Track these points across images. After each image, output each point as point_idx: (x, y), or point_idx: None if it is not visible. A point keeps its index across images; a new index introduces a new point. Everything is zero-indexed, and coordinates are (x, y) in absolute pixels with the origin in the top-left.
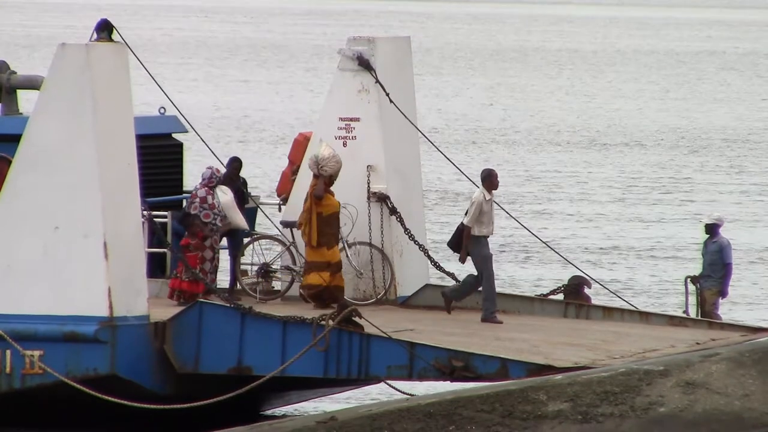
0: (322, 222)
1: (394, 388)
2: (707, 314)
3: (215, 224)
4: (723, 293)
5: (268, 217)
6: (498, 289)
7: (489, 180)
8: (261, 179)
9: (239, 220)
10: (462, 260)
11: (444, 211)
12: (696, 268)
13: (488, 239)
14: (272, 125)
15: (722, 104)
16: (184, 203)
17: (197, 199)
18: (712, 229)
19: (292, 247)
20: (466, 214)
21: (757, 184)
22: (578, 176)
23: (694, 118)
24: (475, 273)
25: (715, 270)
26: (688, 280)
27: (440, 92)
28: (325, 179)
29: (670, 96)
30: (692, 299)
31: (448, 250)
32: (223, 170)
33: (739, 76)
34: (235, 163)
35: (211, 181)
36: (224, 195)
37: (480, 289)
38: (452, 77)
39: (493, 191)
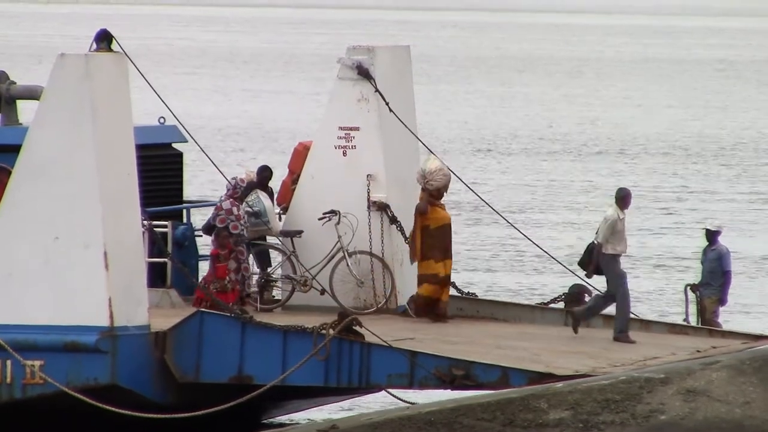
0: (428, 235)
1: (394, 396)
2: (707, 322)
3: (242, 235)
4: (722, 301)
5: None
6: (497, 298)
7: (625, 199)
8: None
9: (277, 225)
10: (589, 275)
11: None
12: (695, 277)
13: (620, 257)
14: (272, 135)
15: (723, 112)
16: (184, 213)
17: (223, 211)
18: (712, 236)
19: (292, 257)
20: (597, 232)
21: (756, 192)
22: (578, 184)
23: (694, 126)
24: (604, 292)
25: (715, 278)
26: (688, 288)
27: (439, 100)
28: (432, 192)
29: (669, 104)
30: (692, 307)
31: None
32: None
33: (742, 84)
34: (266, 172)
35: (235, 192)
36: (267, 200)
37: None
38: (450, 85)
39: (625, 210)
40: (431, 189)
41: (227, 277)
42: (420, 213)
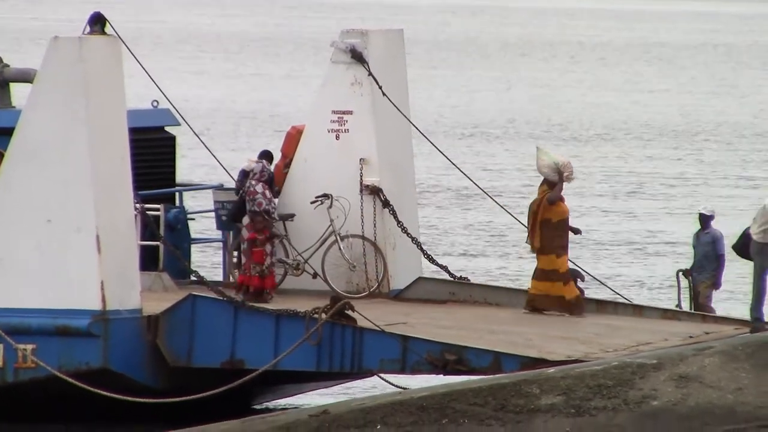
0: (551, 228)
1: (387, 381)
2: (701, 307)
3: (275, 218)
4: (717, 285)
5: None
6: (491, 283)
7: None
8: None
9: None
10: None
11: (437, 204)
12: (688, 262)
13: None
14: (264, 118)
15: (718, 97)
16: (177, 196)
17: (259, 195)
18: (705, 220)
19: (284, 240)
20: (754, 219)
21: (747, 177)
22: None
23: (686, 111)
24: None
25: (709, 262)
26: (680, 273)
27: (435, 85)
28: (554, 184)
29: (662, 88)
30: (685, 293)
31: (441, 243)
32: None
33: (737, 69)
34: (266, 157)
35: (263, 175)
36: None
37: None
38: (445, 70)
39: None
40: (568, 182)
41: (265, 262)
42: (551, 203)
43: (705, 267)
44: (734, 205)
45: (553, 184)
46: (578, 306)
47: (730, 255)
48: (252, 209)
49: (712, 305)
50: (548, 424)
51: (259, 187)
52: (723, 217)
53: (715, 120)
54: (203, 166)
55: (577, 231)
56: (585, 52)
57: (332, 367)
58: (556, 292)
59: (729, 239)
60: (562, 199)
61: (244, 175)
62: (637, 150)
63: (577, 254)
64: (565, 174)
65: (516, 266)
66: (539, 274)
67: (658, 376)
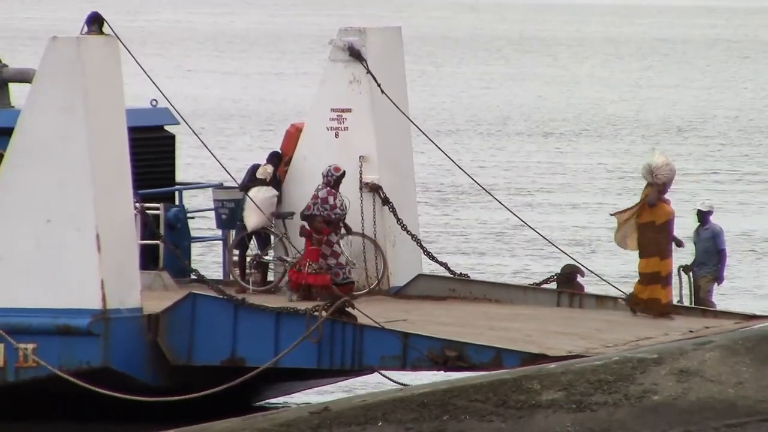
0: (654, 230)
1: (387, 378)
2: (702, 301)
3: (340, 224)
4: (719, 279)
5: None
6: (490, 279)
7: None
8: None
9: (250, 221)
10: None
11: (437, 201)
12: (687, 257)
13: None
14: (264, 117)
15: (718, 92)
16: (176, 195)
17: (319, 200)
18: (703, 216)
19: (284, 239)
20: None
21: (747, 173)
22: (570, 165)
23: (685, 106)
24: None
25: (710, 257)
26: (681, 269)
27: (433, 82)
28: (659, 187)
29: (660, 84)
30: (686, 289)
31: (441, 240)
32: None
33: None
34: (275, 159)
35: (329, 181)
36: (258, 194)
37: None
38: (442, 67)
39: None
40: (659, 183)
41: (319, 261)
42: (650, 206)
43: (706, 262)
44: (737, 200)
45: (663, 185)
46: (670, 310)
47: (730, 249)
48: (311, 213)
49: (713, 300)
50: (549, 420)
51: (322, 192)
52: (728, 213)
53: (723, 114)
54: (203, 165)
55: (680, 243)
56: (586, 48)
57: (333, 364)
58: (653, 295)
59: (729, 234)
60: (665, 201)
61: (253, 171)
62: (636, 146)
63: (578, 249)
64: (655, 174)
65: (515, 262)
66: (640, 277)
67: (658, 370)
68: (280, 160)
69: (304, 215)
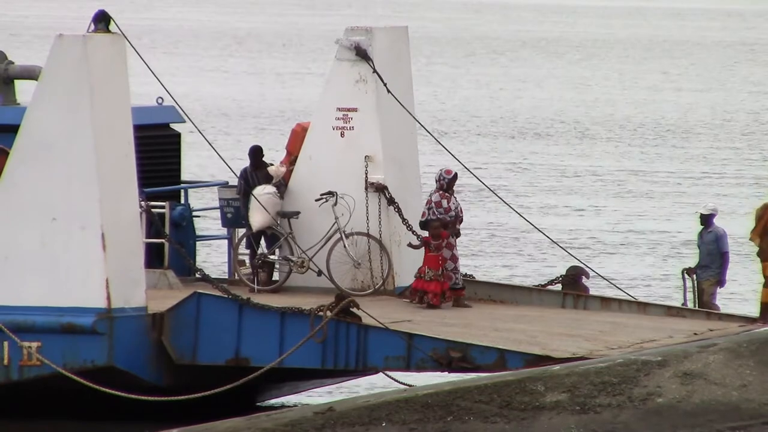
0: None
1: (392, 378)
2: (705, 305)
3: (454, 227)
4: (721, 282)
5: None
6: (495, 280)
7: None
8: None
9: (255, 220)
10: None
11: None
12: (691, 260)
13: None
14: (269, 115)
15: (723, 93)
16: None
17: (432, 204)
18: (707, 219)
19: (289, 238)
20: None
21: (749, 175)
22: (575, 168)
23: (691, 108)
24: None
25: (713, 260)
26: (684, 272)
27: (436, 82)
28: None
29: (667, 87)
30: (690, 292)
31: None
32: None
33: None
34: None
35: (441, 184)
36: (262, 192)
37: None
38: (448, 67)
39: None
40: None
41: (441, 268)
42: None
43: (709, 265)
44: (742, 203)
45: None
46: None
47: (733, 252)
48: (427, 218)
49: (717, 303)
50: (553, 421)
51: (435, 196)
52: (732, 216)
53: (730, 117)
54: (209, 164)
55: None
56: (594, 50)
57: (337, 364)
58: None
59: (733, 237)
60: None
61: (266, 179)
62: (643, 148)
63: (582, 252)
64: None
65: (520, 263)
66: (765, 281)
67: (662, 373)
68: (261, 154)
69: (421, 223)
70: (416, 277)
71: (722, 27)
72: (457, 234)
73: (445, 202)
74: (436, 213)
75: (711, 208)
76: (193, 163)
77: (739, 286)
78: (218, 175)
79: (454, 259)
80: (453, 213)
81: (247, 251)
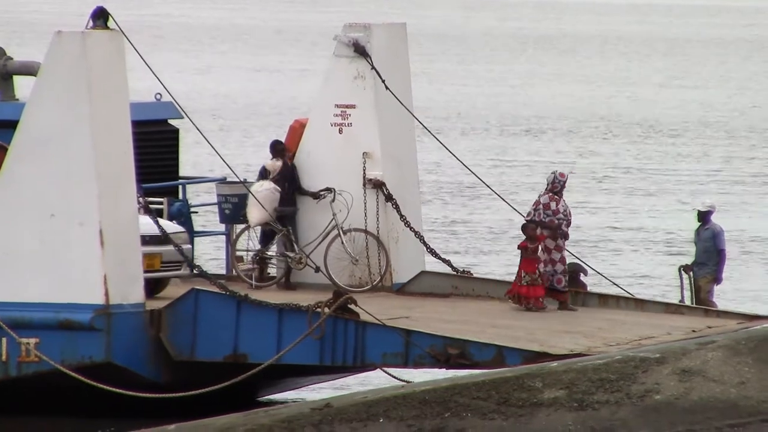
0: None
1: (389, 375)
2: (702, 302)
3: (561, 229)
4: (717, 280)
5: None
6: (495, 277)
7: None
8: (256, 166)
9: (251, 216)
10: None
11: (440, 198)
12: (688, 257)
13: None
14: (267, 112)
15: (719, 91)
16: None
17: (540, 206)
18: (704, 216)
19: (287, 233)
20: None
21: (748, 173)
22: (573, 165)
23: (686, 106)
24: None
25: (710, 257)
26: (681, 269)
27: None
28: None
29: (659, 83)
30: (687, 289)
31: (444, 237)
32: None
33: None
34: (278, 146)
35: (554, 186)
36: (259, 188)
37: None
38: (446, 63)
39: None
40: None
41: (537, 271)
42: None
43: (706, 262)
44: (741, 200)
45: None
46: None
47: (729, 249)
48: (530, 219)
49: (714, 300)
50: (551, 418)
51: (544, 198)
52: (730, 212)
53: (729, 115)
54: (206, 160)
55: None
56: (598, 47)
57: (335, 361)
58: None
59: (730, 234)
60: None
61: (263, 174)
62: (641, 145)
63: (580, 249)
64: None
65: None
66: None
67: (660, 370)
68: (283, 148)
69: (526, 222)
70: (514, 281)
71: (723, 24)
72: (566, 236)
73: (553, 205)
74: (543, 215)
75: (708, 205)
76: (192, 159)
77: (744, 284)
78: (216, 171)
79: (552, 262)
80: (561, 215)
81: (245, 248)
